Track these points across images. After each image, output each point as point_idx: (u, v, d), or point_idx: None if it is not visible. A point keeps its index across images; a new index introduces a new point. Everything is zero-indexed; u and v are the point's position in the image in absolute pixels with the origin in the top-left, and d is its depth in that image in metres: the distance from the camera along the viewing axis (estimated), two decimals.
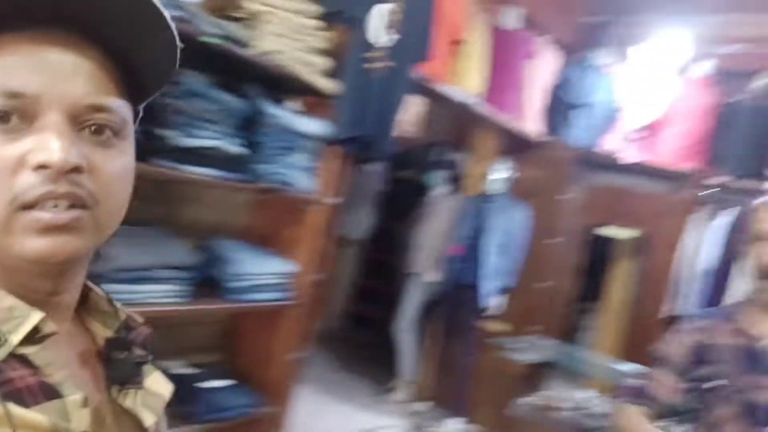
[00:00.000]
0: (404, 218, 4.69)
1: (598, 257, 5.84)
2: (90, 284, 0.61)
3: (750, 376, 1.28)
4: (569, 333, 3.97)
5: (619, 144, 3.74)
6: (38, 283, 0.52)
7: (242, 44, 1.80)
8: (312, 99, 2.21)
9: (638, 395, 1.46)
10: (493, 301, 3.86)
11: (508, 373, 2.60)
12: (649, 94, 3.68)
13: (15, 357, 0.49)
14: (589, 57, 3.81)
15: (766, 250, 1.30)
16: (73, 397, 0.50)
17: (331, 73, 2.13)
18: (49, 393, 0.49)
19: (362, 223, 5.43)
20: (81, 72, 0.50)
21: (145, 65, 0.55)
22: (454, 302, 3.95)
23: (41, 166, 0.47)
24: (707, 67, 3.72)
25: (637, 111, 3.70)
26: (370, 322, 5.21)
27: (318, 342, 5.48)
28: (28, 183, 0.48)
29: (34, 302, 0.51)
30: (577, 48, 3.96)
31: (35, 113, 0.49)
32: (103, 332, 0.60)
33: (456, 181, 4.38)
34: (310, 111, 2.21)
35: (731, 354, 1.31)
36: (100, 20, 0.50)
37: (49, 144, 0.48)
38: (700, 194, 3.52)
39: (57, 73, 0.49)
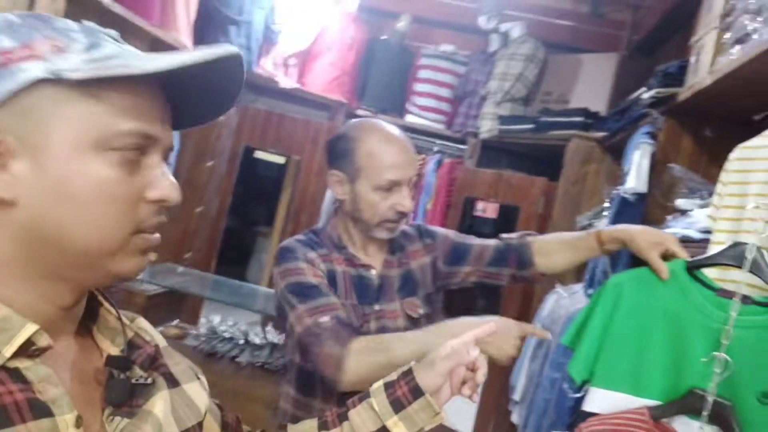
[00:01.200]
0: None
1: (259, 181, 6.00)
2: (102, 300, 0.61)
3: (364, 306, 1.32)
4: (231, 259, 3.95)
5: (276, 68, 3.70)
6: (64, 295, 0.54)
7: None
8: None
9: (341, 332, 1.19)
10: None
11: (135, 302, 2.42)
12: (306, 21, 3.71)
13: (7, 370, 0.48)
14: None
15: (385, 196, 1.28)
16: (65, 417, 0.49)
17: None
18: (39, 411, 0.48)
19: None
20: (166, 118, 0.57)
21: (194, 111, 0.62)
22: None
23: (162, 201, 0.55)
24: (355, 1, 3.90)
25: (293, 36, 3.70)
26: None
27: None
28: (146, 215, 0.55)
29: (45, 314, 0.52)
30: None
31: (146, 151, 0.55)
32: (111, 349, 0.60)
33: None
34: None
35: (349, 284, 1.33)
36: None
37: (167, 184, 0.56)
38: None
39: (162, 119, 0.56)
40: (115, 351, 0.60)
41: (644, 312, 1.05)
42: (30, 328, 0.49)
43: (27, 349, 0.49)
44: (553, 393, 2.29)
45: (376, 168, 1.28)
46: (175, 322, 2.63)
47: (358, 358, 1.14)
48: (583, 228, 2.81)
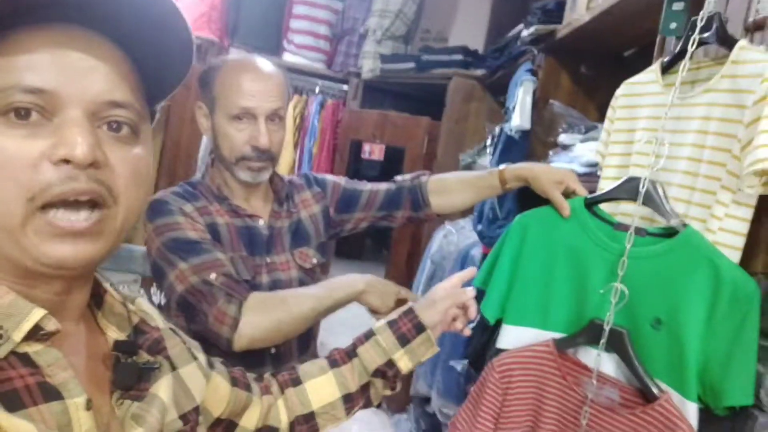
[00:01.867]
0: None
1: None
2: (106, 286, 0.62)
3: (254, 258, 1.25)
4: None
5: None
6: (48, 283, 0.52)
7: None
8: None
9: (235, 285, 1.11)
10: None
11: None
12: None
13: (17, 355, 0.49)
14: None
15: (240, 128, 1.19)
16: (75, 399, 0.50)
17: None
18: (50, 394, 0.49)
19: None
20: (100, 70, 0.51)
21: (161, 65, 0.56)
22: None
23: (64, 161, 0.48)
24: None
25: None
26: None
27: None
28: (49, 180, 0.48)
29: (42, 301, 0.51)
30: None
31: (54, 110, 0.49)
32: (116, 335, 0.61)
33: None
34: None
35: (237, 235, 1.24)
36: (116, 19, 0.51)
37: (72, 139, 0.48)
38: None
39: (76, 70, 0.50)
40: (120, 336, 0.61)
41: (548, 249, 1.09)
42: (38, 313, 0.49)
43: (35, 334, 0.49)
44: None
45: (228, 94, 1.19)
46: None
47: (255, 315, 1.08)
48: (467, 165, 2.88)
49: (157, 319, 0.68)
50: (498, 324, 1.15)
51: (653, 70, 1.13)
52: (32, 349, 0.50)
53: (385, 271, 3.67)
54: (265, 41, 3.84)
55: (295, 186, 1.40)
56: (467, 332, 1.00)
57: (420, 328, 0.91)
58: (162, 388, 0.61)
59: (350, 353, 0.92)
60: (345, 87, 3.83)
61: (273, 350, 1.26)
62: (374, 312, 1.16)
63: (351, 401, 0.90)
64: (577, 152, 1.69)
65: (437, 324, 0.94)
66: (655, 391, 0.91)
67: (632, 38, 1.82)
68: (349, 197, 1.43)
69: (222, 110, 1.20)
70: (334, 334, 4.30)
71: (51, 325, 0.50)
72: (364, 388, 0.91)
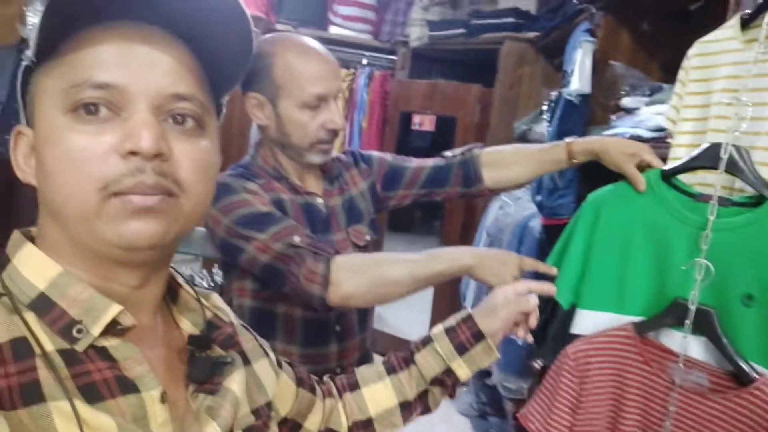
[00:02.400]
0: None
1: None
2: (181, 281, 0.64)
3: (315, 235, 1.22)
4: None
5: None
6: (123, 275, 0.55)
7: None
8: None
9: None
10: None
11: None
12: None
13: (95, 349, 0.51)
14: None
15: (312, 114, 1.18)
16: (151, 392, 0.52)
17: None
18: (126, 387, 0.51)
19: None
20: (164, 64, 0.53)
21: (224, 58, 0.57)
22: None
23: (131, 153, 0.50)
24: None
25: None
26: None
27: None
28: (119, 171, 0.50)
29: (119, 296, 0.53)
30: None
31: (122, 105, 0.51)
32: (191, 330, 0.63)
33: None
34: None
35: (299, 213, 1.24)
36: (180, 15, 0.53)
37: (138, 131, 0.50)
38: None
39: (142, 65, 0.52)
40: (194, 331, 0.63)
41: (624, 227, 1.03)
42: (115, 308, 0.52)
43: (113, 329, 0.52)
44: None
45: (298, 83, 1.17)
46: None
47: (348, 273, 1.07)
48: (522, 133, 2.79)
49: (230, 315, 0.70)
50: (572, 308, 1.09)
51: (731, 25, 1.04)
52: (110, 343, 0.52)
53: (437, 244, 3.63)
54: (311, 14, 3.79)
55: (344, 164, 1.38)
56: (530, 338, 0.96)
57: (479, 336, 0.88)
58: (235, 382, 0.62)
59: (408, 360, 0.90)
60: (393, 57, 3.76)
61: (338, 327, 1.26)
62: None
63: (408, 408, 0.89)
64: (642, 116, 1.60)
65: (498, 331, 0.89)
66: (750, 373, 0.85)
67: None
68: (394, 173, 1.40)
69: (291, 99, 1.18)
70: (391, 308, 4.33)
71: (127, 320, 0.53)
72: (422, 395, 0.90)
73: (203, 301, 0.65)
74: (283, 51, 1.19)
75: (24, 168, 0.55)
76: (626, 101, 1.77)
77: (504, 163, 1.38)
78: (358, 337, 1.31)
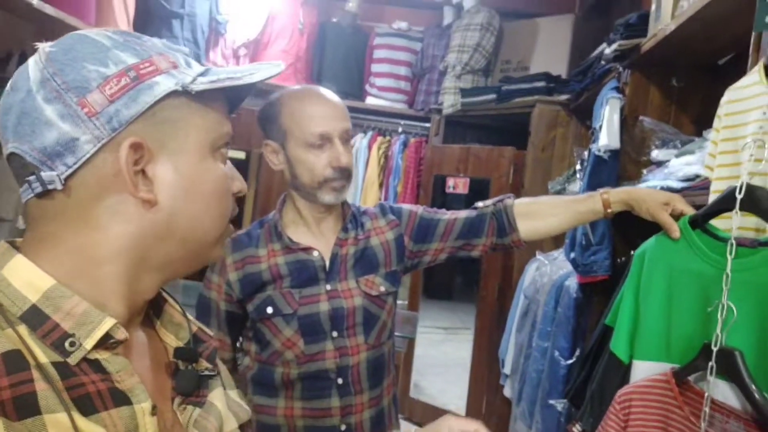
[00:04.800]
0: None
1: None
2: (165, 296, 0.65)
3: (307, 289, 1.26)
4: None
5: (226, 60, 3.57)
6: (154, 287, 0.59)
7: None
8: None
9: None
10: None
11: None
12: (252, 9, 3.58)
13: (87, 361, 0.51)
14: None
15: (317, 154, 1.23)
16: (142, 405, 0.52)
17: None
18: (119, 399, 0.51)
19: None
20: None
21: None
22: None
23: (239, 193, 0.64)
24: None
25: (241, 25, 3.56)
26: None
27: None
28: (234, 204, 0.63)
29: (128, 307, 0.56)
30: None
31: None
32: (174, 343, 0.63)
33: None
34: None
35: (285, 272, 1.26)
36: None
37: (240, 177, 0.64)
38: None
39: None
40: (178, 344, 0.63)
41: (665, 277, 1.04)
42: (108, 322, 0.52)
43: (105, 342, 0.52)
44: (544, 363, 2.25)
45: (300, 124, 1.22)
46: None
47: None
48: (556, 193, 2.77)
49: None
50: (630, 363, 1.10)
51: (756, 70, 1.04)
52: (101, 356, 0.52)
53: (476, 308, 3.57)
54: (348, 87, 3.95)
55: (368, 214, 1.39)
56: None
57: None
58: (217, 396, 0.63)
59: None
60: (427, 125, 3.85)
61: (339, 380, 1.24)
62: None
63: None
64: (672, 168, 1.58)
65: None
66: None
67: (725, 44, 1.70)
68: (426, 226, 1.38)
69: (297, 141, 1.23)
70: (428, 377, 4.22)
71: (120, 333, 0.53)
72: None
73: (188, 315, 0.66)
74: (287, 98, 1.26)
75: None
76: (656, 154, 1.76)
77: (538, 213, 1.36)
78: (368, 394, 1.27)
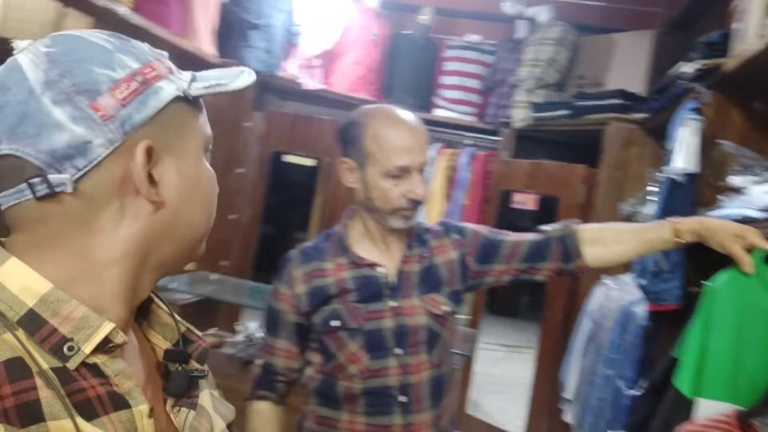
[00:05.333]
0: None
1: (291, 186, 6.01)
2: (153, 297, 0.64)
3: (372, 304, 1.27)
4: (269, 266, 3.92)
5: (300, 70, 3.66)
6: (151, 285, 0.60)
7: None
8: None
9: (261, 382, 1.33)
10: None
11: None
12: (326, 20, 3.66)
13: (86, 366, 0.51)
14: None
15: (394, 183, 1.23)
16: (140, 407, 0.53)
17: None
18: (118, 403, 0.52)
19: None
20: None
21: None
22: None
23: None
24: None
25: (315, 36, 3.65)
26: None
27: None
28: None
29: (127, 309, 0.57)
30: None
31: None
32: (163, 345, 0.63)
33: None
34: None
35: (351, 287, 1.28)
36: None
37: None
38: None
39: None
40: (166, 345, 0.63)
41: (735, 313, 1.01)
42: (108, 326, 0.52)
43: (104, 346, 0.52)
44: (608, 391, 2.17)
45: (384, 152, 1.23)
46: (212, 330, 2.60)
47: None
48: (628, 215, 2.67)
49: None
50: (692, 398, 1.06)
51: None
52: (99, 359, 0.52)
53: (540, 328, 3.48)
54: (418, 98, 3.96)
55: (432, 232, 1.39)
56: None
57: None
58: (205, 398, 0.64)
59: None
60: (496, 138, 3.80)
61: (403, 398, 1.24)
62: None
63: None
64: (751, 196, 1.49)
65: None
66: None
67: None
68: (489, 247, 1.37)
69: (376, 167, 1.24)
70: (487, 395, 4.15)
71: (119, 337, 0.53)
72: None
73: (176, 315, 0.66)
74: (373, 121, 1.26)
75: None
76: (734, 181, 1.66)
77: (604, 240, 1.33)
78: (429, 413, 1.27)
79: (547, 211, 3.40)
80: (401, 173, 1.23)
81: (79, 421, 0.47)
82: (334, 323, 1.25)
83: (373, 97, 3.87)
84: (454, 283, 1.35)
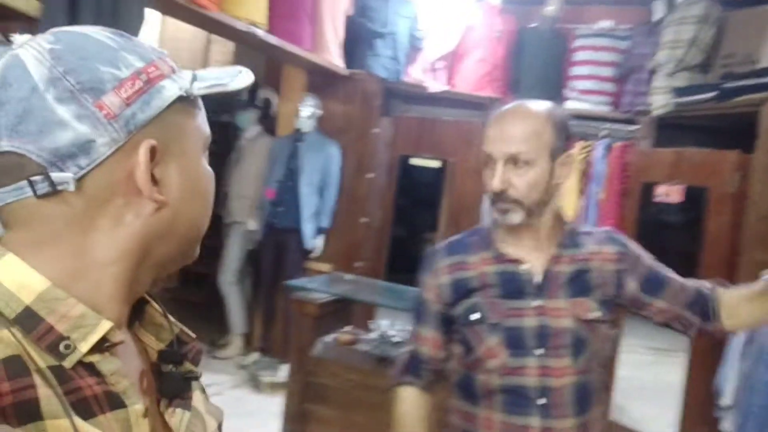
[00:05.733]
0: (224, 166, 4.45)
1: (419, 188, 6.07)
2: (147, 297, 0.63)
3: (514, 301, 1.24)
4: (401, 267, 4.01)
5: (424, 73, 3.71)
6: (148, 284, 0.59)
7: None
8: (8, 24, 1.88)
9: (407, 368, 1.35)
10: (314, 242, 3.79)
11: (307, 312, 2.53)
12: (449, 22, 3.67)
13: (82, 365, 0.50)
14: None
15: (488, 174, 1.22)
16: (136, 407, 0.52)
17: None
18: (114, 402, 0.50)
19: None
20: None
21: None
22: (277, 248, 3.84)
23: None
24: None
25: (438, 39, 3.68)
26: (201, 278, 4.97)
27: None
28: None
29: (125, 307, 0.56)
30: None
31: None
32: (156, 345, 0.62)
33: (267, 120, 4.19)
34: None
35: (493, 281, 1.26)
36: None
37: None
38: None
39: None
40: (159, 346, 0.62)
41: None
42: (105, 325, 0.52)
43: (100, 345, 0.51)
44: None
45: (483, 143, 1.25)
46: (347, 328, 2.71)
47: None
48: None
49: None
50: None
51: None
52: (95, 358, 0.51)
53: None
54: (547, 92, 3.83)
55: (593, 236, 1.32)
56: None
57: None
58: (198, 399, 0.63)
59: None
60: (633, 127, 3.58)
61: (543, 400, 1.21)
62: None
63: None
64: None
65: None
66: None
67: None
68: (656, 280, 1.30)
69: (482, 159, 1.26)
70: (635, 400, 3.90)
71: (116, 337, 0.53)
72: None
73: (169, 316, 0.64)
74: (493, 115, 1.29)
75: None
76: None
77: (744, 310, 1.27)
78: (572, 420, 1.21)
79: (695, 203, 3.14)
80: (487, 162, 1.22)
81: (77, 420, 0.47)
82: (474, 316, 1.25)
83: (499, 95, 3.82)
84: (608, 293, 1.27)
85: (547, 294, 1.24)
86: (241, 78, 0.58)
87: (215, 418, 0.65)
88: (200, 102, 0.60)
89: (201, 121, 0.60)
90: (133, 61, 0.54)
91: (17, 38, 0.53)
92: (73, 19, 1.85)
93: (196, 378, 0.63)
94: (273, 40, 3.05)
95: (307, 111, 3.69)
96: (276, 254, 3.85)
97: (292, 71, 3.85)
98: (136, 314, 0.62)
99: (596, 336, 1.24)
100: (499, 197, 1.22)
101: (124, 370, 0.53)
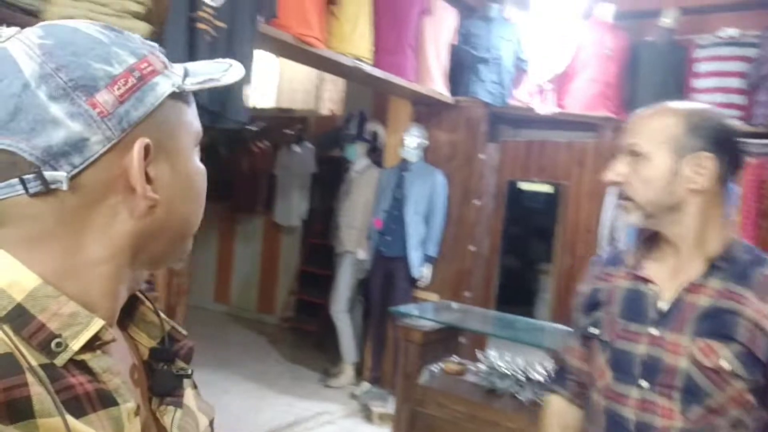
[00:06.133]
0: (336, 198, 4.60)
1: (528, 214, 5.85)
2: (139, 294, 0.63)
3: (631, 323, 1.13)
4: (512, 298, 3.89)
5: (531, 96, 3.63)
6: (139, 281, 0.60)
7: (31, 11, 1.64)
8: None
9: (555, 378, 1.34)
10: (422, 270, 3.78)
11: (413, 339, 2.50)
12: (556, 42, 3.58)
13: (74, 363, 0.50)
14: (492, 8, 3.69)
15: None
16: (127, 405, 0.51)
17: (154, 39, 1.96)
18: (106, 400, 0.50)
19: (297, 208, 5.31)
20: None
21: None
22: (385, 276, 3.87)
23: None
24: (610, 9, 3.63)
25: (545, 60, 3.59)
26: (316, 307, 5.11)
27: (264, 334, 5.37)
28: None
29: (117, 305, 0.56)
30: (475, 1, 3.84)
31: None
32: (147, 342, 0.62)
33: (376, 152, 4.28)
34: None
35: (618, 298, 1.17)
36: None
37: None
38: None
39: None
40: (150, 344, 0.62)
41: None
42: (97, 324, 0.51)
43: (92, 344, 0.51)
44: None
45: None
46: (453, 357, 2.64)
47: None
48: None
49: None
50: None
51: None
52: (87, 357, 0.51)
53: None
54: None
55: (763, 274, 1.08)
56: None
57: None
58: (190, 397, 0.62)
59: None
60: None
61: (633, 428, 1.09)
62: None
63: None
64: None
65: None
66: None
67: None
68: None
69: None
70: None
71: (108, 335, 0.52)
72: None
73: (161, 314, 0.64)
74: None
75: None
76: None
77: None
78: None
79: None
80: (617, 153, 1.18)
81: (69, 418, 0.46)
82: (593, 330, 1.20)
83: (613, 114, 3.64)
84: (754, 347, 1.04)
85: (671, 326, 1.08)
86: (231, 72, 0.57)
87: (207, 415, 0.65)
88: (192, 97, 0.59)
89: (192, 116, 0.59)
90: (126, 57, 0.53)
91: (4, 31, 0.52)
92: (191, 59, 2.02)
93: (188, 375, 0.62)
94: (378, 73, 3.13)
95: (413, 141, 3.73)
96: (385, 283, 3.88)
97: (398, 103, 3.92)
98: (127, 312, 0.61)
99: (723, 391, 1.05)
100: (621, 193, 1.16)
101: (115, 368, 0.52)
